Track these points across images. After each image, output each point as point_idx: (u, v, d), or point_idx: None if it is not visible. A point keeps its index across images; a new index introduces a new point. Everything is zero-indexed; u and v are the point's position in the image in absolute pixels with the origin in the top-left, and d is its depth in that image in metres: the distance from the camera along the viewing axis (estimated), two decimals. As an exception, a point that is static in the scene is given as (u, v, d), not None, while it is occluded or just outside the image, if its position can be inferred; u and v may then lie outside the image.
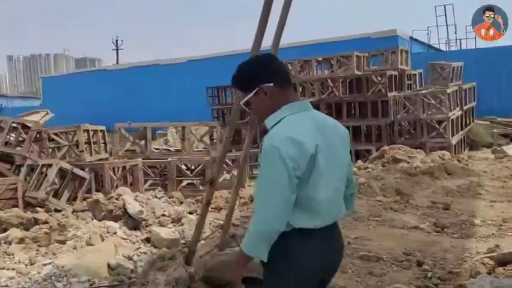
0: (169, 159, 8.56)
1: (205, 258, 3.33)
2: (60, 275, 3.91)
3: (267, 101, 1.97)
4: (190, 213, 6.42)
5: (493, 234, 5.08)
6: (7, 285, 3.81)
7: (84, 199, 6.81)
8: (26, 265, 4.22)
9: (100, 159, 8.32)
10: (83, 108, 24.91)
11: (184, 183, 8.58)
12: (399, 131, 12.70)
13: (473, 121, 15.35)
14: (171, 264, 3.16)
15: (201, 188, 8.39)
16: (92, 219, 5.53)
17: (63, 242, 4.80)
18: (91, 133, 8.34)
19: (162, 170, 8.77)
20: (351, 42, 18.69)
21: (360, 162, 10.78)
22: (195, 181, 8.63)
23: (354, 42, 18.33)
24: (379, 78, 13.22)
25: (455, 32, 21.97)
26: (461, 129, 13.40)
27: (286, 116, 1.94)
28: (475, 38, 23.77)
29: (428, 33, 22.21)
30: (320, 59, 15.09)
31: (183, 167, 8.80)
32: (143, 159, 8.42)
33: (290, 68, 15.67)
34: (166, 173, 8.60)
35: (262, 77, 1.97)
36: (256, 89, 1.96)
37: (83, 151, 7.85)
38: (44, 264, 4.10)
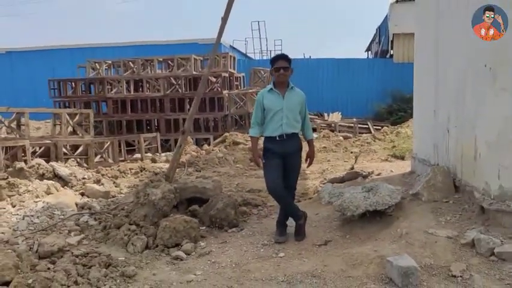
0: (49, 141, 9.51)
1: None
2: (52, 207, 5.21)
3: (290, 74, 4.28)
4: (100, 178, 7.81)
5: (319, 176, 8.08)
6: (17, 214, 4.93)
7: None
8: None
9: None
10: None
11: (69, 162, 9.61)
12: (231, 122, 15.56)
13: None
14: (159, 184, 4.95)
15: (85, 165, 9.60)
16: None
17: (20, 195, 5.88)
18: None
19: (44, 151, 9.60)
20: (181, 46, 21.08)
21: (206, 146, 13.19)
22: (78, 159, 9.72)
23: (184, 46, 20.77)
24: (215, 79, 15.85)
25: (267, 44, 26.34)
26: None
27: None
28: (281, 50, 28.60)
29: (245, 44, 25.93)
30: (161, 59, 17.00)
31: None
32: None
33: (132, 65, 17.20)
34: (49, 154, 9.50)
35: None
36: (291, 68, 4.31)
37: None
38: (35, 202, 5.29)
